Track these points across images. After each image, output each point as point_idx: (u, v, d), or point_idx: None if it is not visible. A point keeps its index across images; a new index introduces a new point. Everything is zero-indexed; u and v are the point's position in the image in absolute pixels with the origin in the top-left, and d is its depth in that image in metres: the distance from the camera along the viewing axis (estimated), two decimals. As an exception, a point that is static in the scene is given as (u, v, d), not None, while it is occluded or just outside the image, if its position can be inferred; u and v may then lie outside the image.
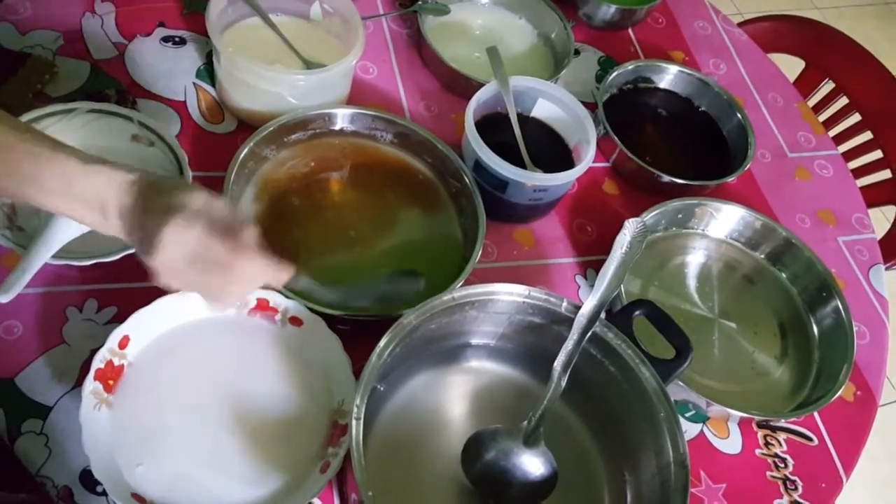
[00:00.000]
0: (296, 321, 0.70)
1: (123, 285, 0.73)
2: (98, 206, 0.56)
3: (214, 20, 0.81)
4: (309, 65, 0.88)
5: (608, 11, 1.08)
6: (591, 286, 0.86)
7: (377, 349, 0.60)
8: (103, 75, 0.87)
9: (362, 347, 0.64)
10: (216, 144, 0.86)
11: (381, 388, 0.67)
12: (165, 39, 0.93)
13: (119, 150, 0.78)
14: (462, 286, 0.70)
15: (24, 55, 0.84)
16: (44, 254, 0.66)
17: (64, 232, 0.67)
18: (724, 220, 0.91)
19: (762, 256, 0.92)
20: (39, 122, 0.74)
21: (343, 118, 0.85)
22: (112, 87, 0.86)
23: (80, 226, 0.67)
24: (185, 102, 0.88)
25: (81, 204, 0.56)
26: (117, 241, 0.70)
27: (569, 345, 0.66)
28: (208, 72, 0.91)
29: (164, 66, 0.90)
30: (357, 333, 0.69)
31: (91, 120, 0.77)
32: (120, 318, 0.67)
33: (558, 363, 0.65)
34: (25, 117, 0.73)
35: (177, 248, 0.54)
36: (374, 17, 1.02)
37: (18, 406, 0.65)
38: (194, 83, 0.90)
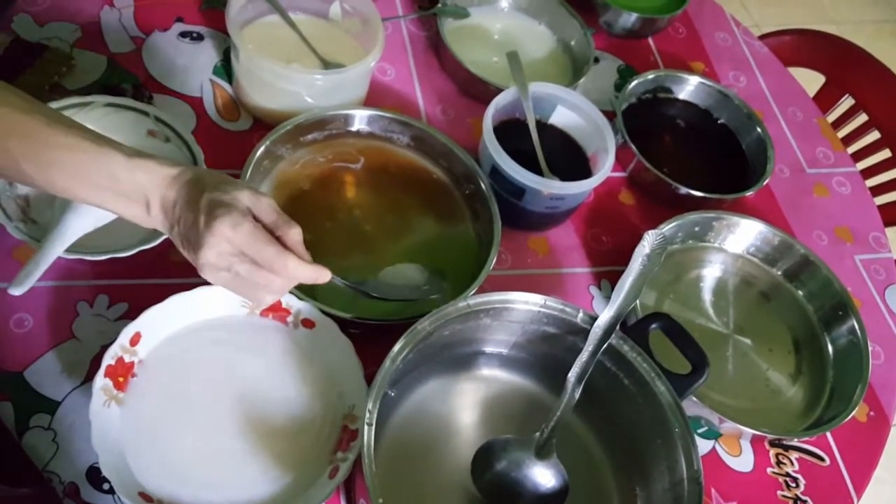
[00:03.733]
0: (308, 323, 0.69)
1: (134, 281, 0.72)
2: (142, 200, 0.56)
3: (234, 17, 0.81)
4: (327, 65, 0.87)
5: (629, 20, 1.07)
6: (606, 297, 0.85)
7: (391, 354, 0.60)
8: (120, 69, 0.86)
9: (373, 352, 0.63)
10: (232, 142, 0.85)
11: (392, 394, 0.66)
12: (183, 35, 0.92)
13: (134, 145, 0.76)
14: (475, 293, 0.70)
15: (41, 47, 0.84)
16: (57, 247, 0.65)
17: (78, 225, 0.66)
18: (742, 235, 0.90)
19: (779, 273, 0.91)
20: (56, 115, 0.73)
21: (360, 119, 0.85)
22: (129, 81, 0.85)
23: (95, 220, 0.67)
24: (201, 99, 0.87)
25: (125, 199, 0.56)
26: (131, 237, 0.71)
27: (584, 356, 0.65)
28: (225, 69, 0.91)
29: (181, 61, 0.90)
30: (368, 337, 0.69)
31: (107, 114, 0.77)
32: (131, 315, 0.67)
33: (572, 374, 0.65)
34: (42, 109, 0.73)
35: (222, 246, 0.54)
36: (392, 18, 1.02)
37: (27, 400, 0.65)
38: (211, 80, 0.89)
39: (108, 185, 0.55)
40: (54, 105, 0.74)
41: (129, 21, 0.91)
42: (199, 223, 0.54)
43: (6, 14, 0.86)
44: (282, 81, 0.81)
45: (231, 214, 0.54)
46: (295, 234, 0.57)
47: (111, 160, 0.55)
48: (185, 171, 0.56)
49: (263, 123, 0.86)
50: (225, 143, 0.85)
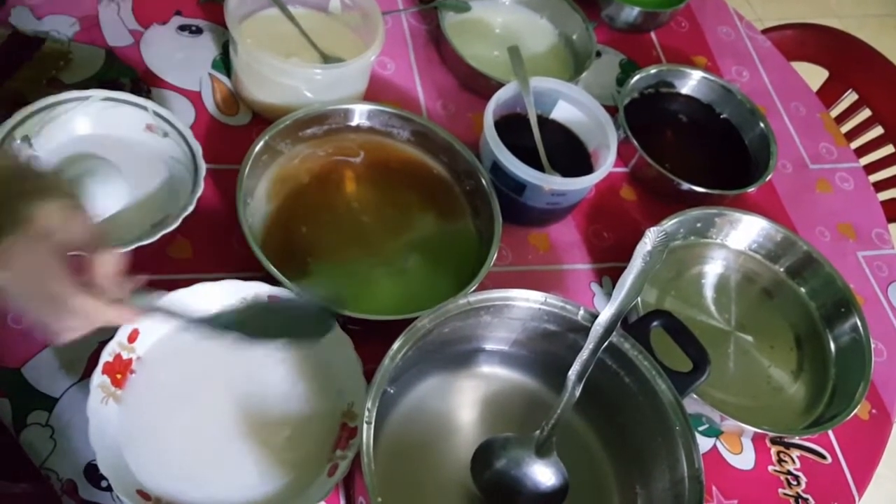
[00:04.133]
0: (307, 320, 0.69)
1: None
2: None
3: (233, 10, 0.80)
4: (327, 59, 0.87)
5: (631, 13, 1.06)
6: (607, 294, 0.85)
7: (390, 352, 0.59)
8: (118, 63, 0.86)
9: (373, 349, 0.63)
10: (230, 137, 0.84)
11: (392, 392, 0.66)
12: (182, 28, 0.91)
13: (133, 140, 0.77)
14: (476, 290, 0.70)
15: (39, 40, 0.83)
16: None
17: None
18: (744, 231, 0.90)
19: (782, 270, 0.90)
20: (54, 109, 0.73)
21: (360, 114, 0.84)
22: (127, 75, 0.84)
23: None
24: (199, 93, 0.87)
25: None
26: (128, 233, 0.70)
27: (584, 354, 0.64)
28: (224, 62, 0.90)
29: (180, 55, 0.89)
30: (368, 335, 0.68)
31: (105, 108, 0.76)
32: (129, 311, 0.66)
33: (573, 372, 0.64)
34: (39, 104, 0.72)
35: (22, 266, 0.48)
36: (393, 12, 1.01)
37: (25, 397, 0.64)
38: (210, 74, 0.89)
39: None
40: (52, 100, 0.73)
41: (127, 14, 0.90)
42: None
43: (4, 7, 0.85)
44: (281, 76, 0.81)
45: (27, 235, 0.48)
46: (105, 262, 0.50)
47: None
48: None
49: (262, 118, 0.85)
50: (224, 138, 0.84)
